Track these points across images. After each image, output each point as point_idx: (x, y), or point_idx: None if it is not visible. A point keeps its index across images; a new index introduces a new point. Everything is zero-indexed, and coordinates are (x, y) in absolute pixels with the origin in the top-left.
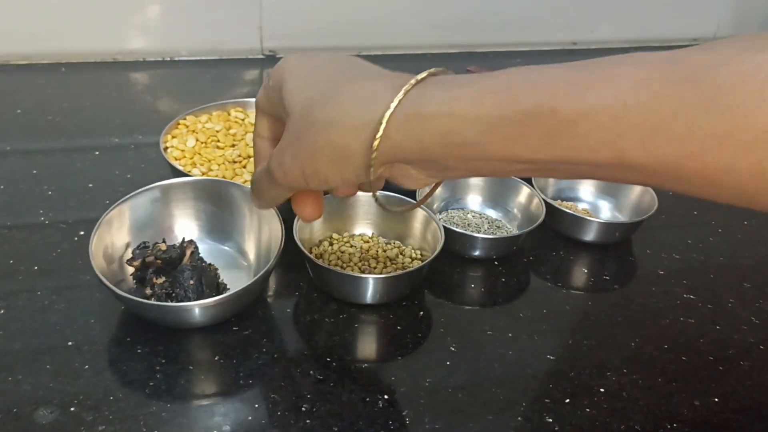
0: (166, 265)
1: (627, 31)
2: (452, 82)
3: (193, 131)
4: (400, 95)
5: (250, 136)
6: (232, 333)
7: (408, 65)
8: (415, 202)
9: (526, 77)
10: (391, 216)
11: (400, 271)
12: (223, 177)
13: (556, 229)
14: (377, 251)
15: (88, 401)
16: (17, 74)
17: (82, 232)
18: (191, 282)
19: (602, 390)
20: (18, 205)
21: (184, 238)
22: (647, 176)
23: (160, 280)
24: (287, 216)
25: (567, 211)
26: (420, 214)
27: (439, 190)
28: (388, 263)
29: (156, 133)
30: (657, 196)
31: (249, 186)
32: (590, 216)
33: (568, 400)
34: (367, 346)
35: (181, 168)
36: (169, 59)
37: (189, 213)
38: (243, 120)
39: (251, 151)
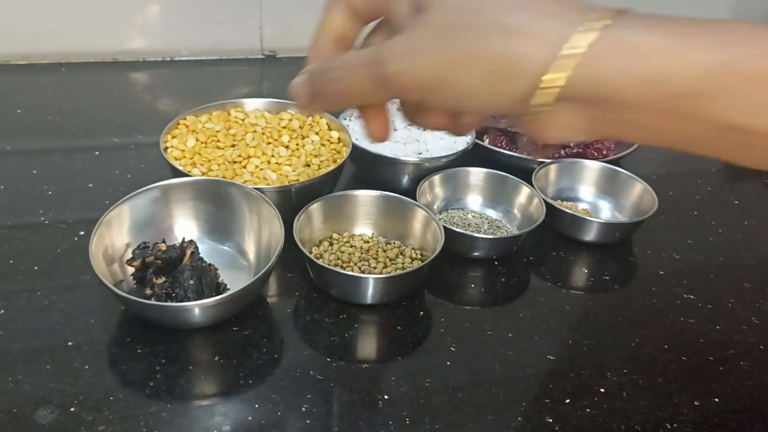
0: (166, 266)
1: None
2: (668, 19)
3: (193, 131)
4: (608, 14)
5: (250, 136)
6: (232, 333)
7: None
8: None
9: (752, 32)
10: (391, 216)
11: (400, 271)
12: (223, 177)
13: (556, 229)
14: (377, 251)
15: (88, 401)
16: (17, 74)
17: (82, 232)
18: (191, 282)
19: (602, 390)
20: (18, 205)
21: (184, 238)
22: None
23: (160, 281)
24: (287, 216)
25: (567, 211)
26: (420, 214)
27: (438, 190)
28: (388, 263)
29: (156, 133)
30: (657, 196)
31: (247, 185)
32: (590, 216)
33: (568, 400)
34: (367, 346)
35: (181, 168)
36: (169, 59)
37: (189, 213)
38: (243, 120)
39: (251, 151)
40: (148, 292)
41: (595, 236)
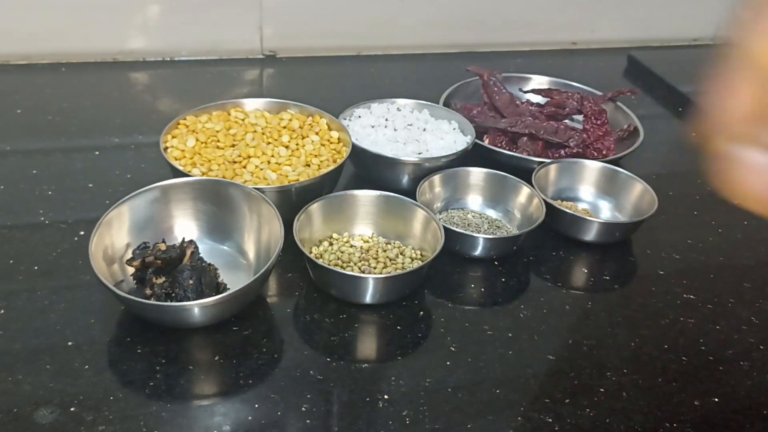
0: (166, 265)
1: (627, 31)
2: None
3: (193, 131)
4: None
5: (250, 136)
6: (232, 333)
7: (408, 65)
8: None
9: None
10: (391, 216)
11: (400, 271)
12: (223, 177)
13: (556, 229)
14: (377, 251)
15: (88, 401)
16: (17, 74)
17: (82, 232)
18: (191, 282)
19: (602, 390)
20: (18, 205)
21: (184, 238)
22: None
23: (160, 280)
24: (287, 216)
25: (567, 211)
26: (420, 214)
27: (438, 190)
28: (388, 263)
29: (156, 133)
30: (657, 196)
31: (247, 185)
32: (590, 216)
33: (568, 400)
34: (367, 346)
35: (181, 168)
36: (169, 59)
37: (189, 213)
38: (243, 120)
39: (251, 151)
40: (148, 292)
41: (595, 236)
